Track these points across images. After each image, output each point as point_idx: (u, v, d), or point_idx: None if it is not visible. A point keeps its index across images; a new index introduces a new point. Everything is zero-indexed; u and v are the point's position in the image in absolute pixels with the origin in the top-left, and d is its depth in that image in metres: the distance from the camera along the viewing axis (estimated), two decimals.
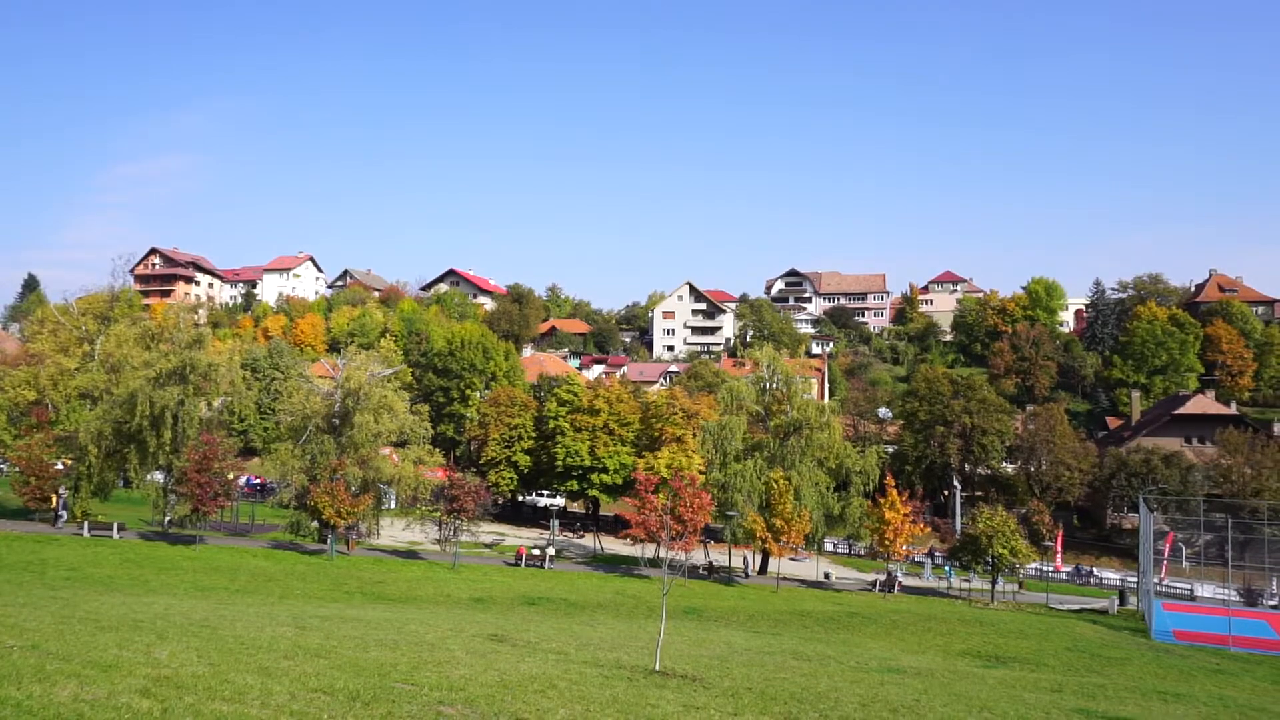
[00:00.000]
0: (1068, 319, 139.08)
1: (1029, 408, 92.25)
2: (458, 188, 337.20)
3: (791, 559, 61.48)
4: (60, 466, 52.82)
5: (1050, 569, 62.85)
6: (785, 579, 53.24)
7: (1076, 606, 50.02)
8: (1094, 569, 68.59)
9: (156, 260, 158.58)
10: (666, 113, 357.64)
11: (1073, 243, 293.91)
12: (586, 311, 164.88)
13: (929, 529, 58.02)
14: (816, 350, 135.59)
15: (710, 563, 55.37)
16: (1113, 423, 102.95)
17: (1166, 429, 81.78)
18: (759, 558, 57.73)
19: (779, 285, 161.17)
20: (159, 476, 54.00)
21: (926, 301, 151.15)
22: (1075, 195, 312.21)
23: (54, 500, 49.02)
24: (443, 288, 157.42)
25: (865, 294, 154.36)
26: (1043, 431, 79.62)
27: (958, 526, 62.90)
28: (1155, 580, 48.05)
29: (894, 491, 52.15)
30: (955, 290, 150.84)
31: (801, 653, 24.63)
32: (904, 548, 52.75)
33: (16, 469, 52.17)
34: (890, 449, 79.69)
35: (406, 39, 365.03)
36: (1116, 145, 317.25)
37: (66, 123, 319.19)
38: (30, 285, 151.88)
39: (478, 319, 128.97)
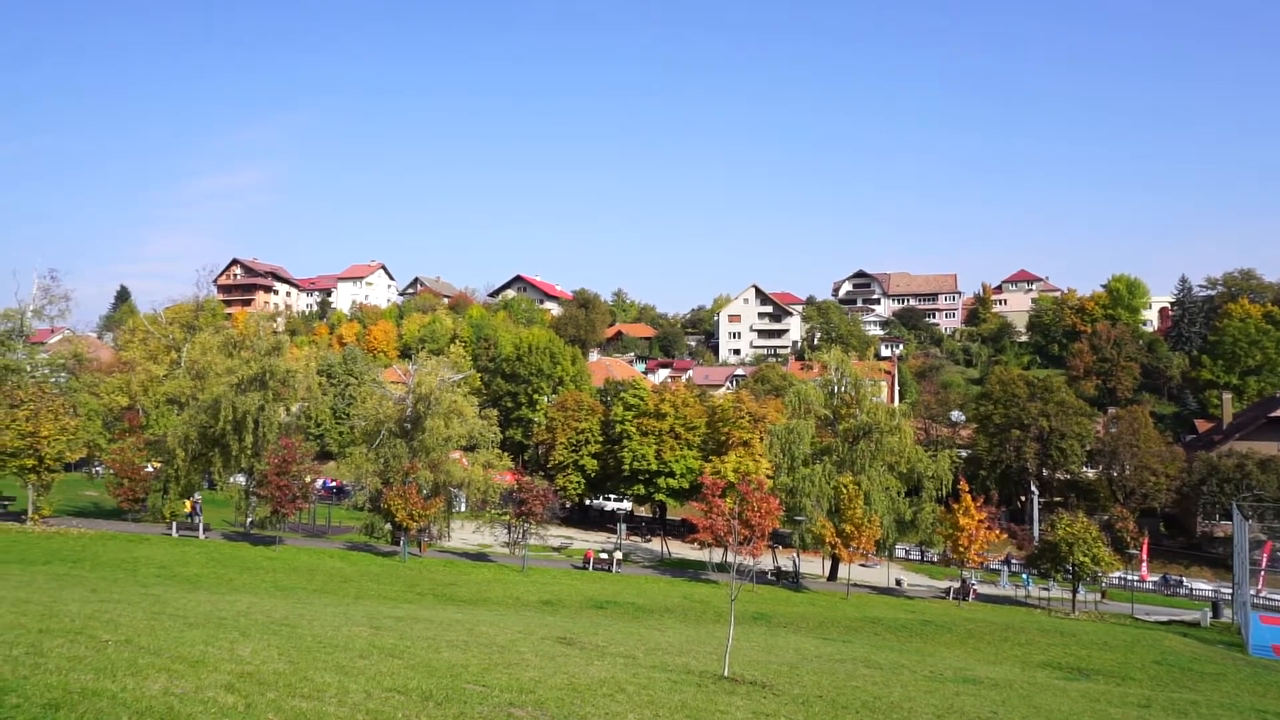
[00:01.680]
0: (1151, 318, 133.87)
1: (1110, 410, 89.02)
2: (525, 195, 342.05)
3: (862, 565, 60.46)
4: (150, 469, 55.19)
5: (1135, 578, 60.46)
6: (856, 585, 52.36)
7: (1165, 618, 47.98)
8: (1183, 579, 65.70)
9: (238, 271, 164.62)
10: (732, 117, 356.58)
11: (1155, 239, 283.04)
12: (652, 316, 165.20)
13: (1005, 535, 56.29)
14: (886, 352, 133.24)
15: (779, 568, 54.82)
16: (1202, 426, 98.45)
17: (1262, 432, 77.85)
18: (829, 563, 56.93)
19: (847, 287, 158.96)
20: (241, 479, 55.95)
21: (1000, 301, 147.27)
22: (1158, 189, 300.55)
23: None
24: (510, 294, 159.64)
25: (936, 294, 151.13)
26: (1126, 435, 76.69)
27: (1035, 533, 61.00)
28: (1252, 592, 45.72)
29: (968, 497, 50.81)
30: (1030, 289, 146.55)
31: (873, 660, 24.17)
32: (979, 555, 51.35)
33: (111, 471, 54.69)
34: (963, 453, 77.85)
35: (472, 46, 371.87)
36: (1201, 134, 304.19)
37: (151, 139, 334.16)
38: (122, 296, 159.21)
39: (544, 324, 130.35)
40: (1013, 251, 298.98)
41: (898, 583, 55.76)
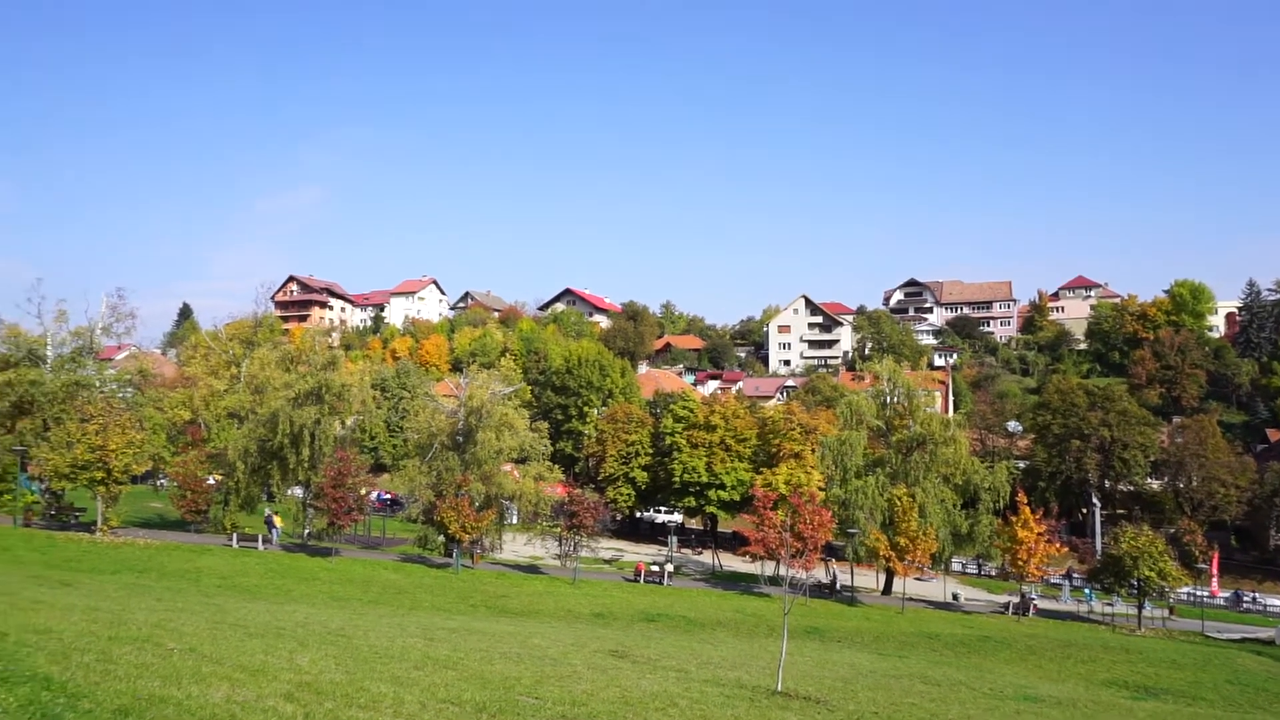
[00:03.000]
0: (1217, 323, 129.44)
1: (1176, 419, 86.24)
2: (574, 208, 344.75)
3: (917, 578, 59.35)
4: (212, 481, 56.65)
5: (1205, 594, 58.31)
6: (911, 599, 51.43)
7: (1237, 635, 46.15)
8: (1256, 594, 63.14)
9: (294, 287, 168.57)
10: (780, 127, 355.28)
11: (1220, 242, 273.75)
12: (701, 327, 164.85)
13: (1066, 549, 54.78)
14: (939, 362, 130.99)
15: (832, 581, 54.10)
16: (1274, 435, 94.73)
17: None
18: (883, 577, 56.02)
19: (898, 296, 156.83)
20: (298, 491, 57.10)
21: (1057, 309, 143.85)
22: (1221, 190, 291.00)
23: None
24: (559, 307, 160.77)
25: (990, 303, 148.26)
26: (1192, 445, 74.20)
27: (1098, 547, 59.34)
28: None
29: (1026, 509, 49.60)
30: (1089, 296, 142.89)
31: (930, 677, 23.68)
32: (1038, 568, 50.06)
33: (175, 483, 56.26)
34: (1021, 464, 76.05)
35: (520, 59, 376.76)
36: (1267, 131, 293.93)
37: (212, 161, 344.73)
38: (185, 314, 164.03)
39: (594, 337, 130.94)
40: (1069, 258, 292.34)
41: (954, 597, 54.59)
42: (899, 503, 51.02)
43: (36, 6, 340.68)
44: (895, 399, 58.21)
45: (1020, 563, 48.87)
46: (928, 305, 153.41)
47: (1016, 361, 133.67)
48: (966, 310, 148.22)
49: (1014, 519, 49.59)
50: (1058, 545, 51.15)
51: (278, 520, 51.61)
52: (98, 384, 58.78)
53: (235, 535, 49.44)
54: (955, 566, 65.34)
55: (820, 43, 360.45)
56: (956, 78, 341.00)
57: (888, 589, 55.29)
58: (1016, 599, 50.60)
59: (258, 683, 10.53)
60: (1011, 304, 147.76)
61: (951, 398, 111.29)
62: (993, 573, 62.99)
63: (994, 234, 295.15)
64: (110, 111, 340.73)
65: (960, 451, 55.10)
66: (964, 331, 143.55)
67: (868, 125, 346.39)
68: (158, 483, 74.61)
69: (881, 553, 50.59)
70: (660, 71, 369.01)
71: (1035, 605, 50.66)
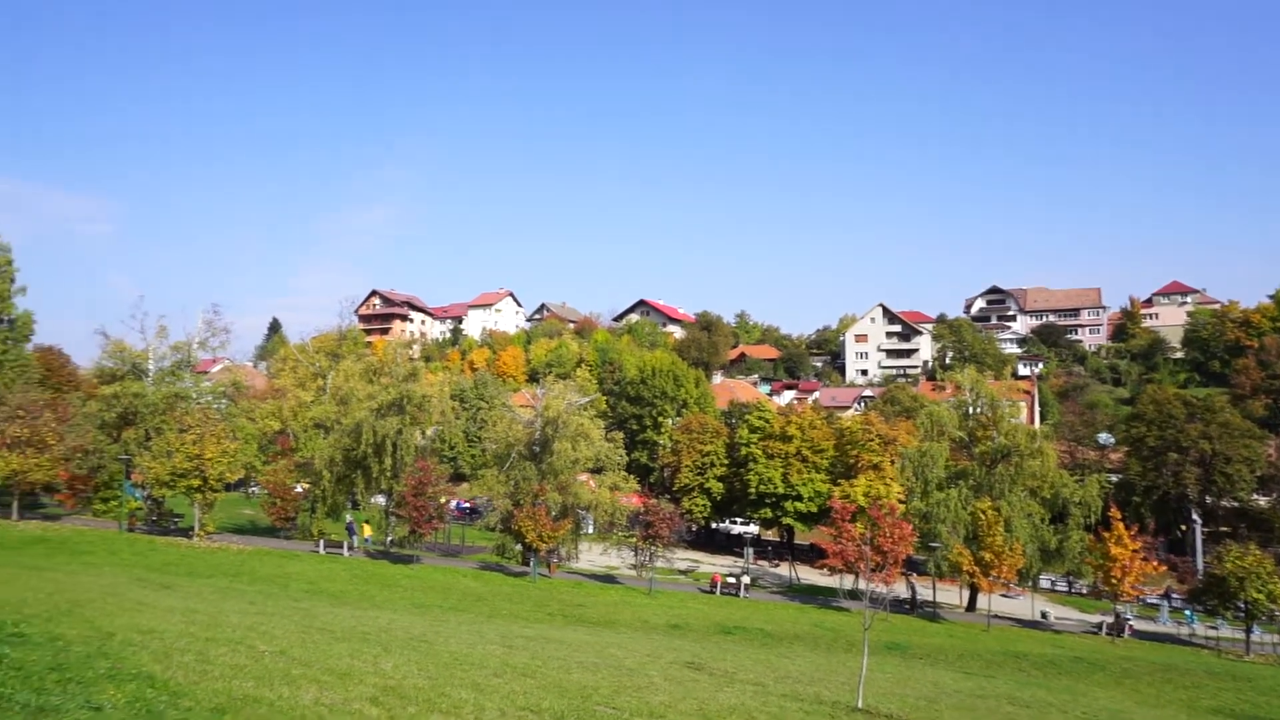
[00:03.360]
0: None
1: None
2: (648, 219, 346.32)
3: (1003, 595, 57.39)
4: (300, 490, 58.65)
5: None
6: (997, 616, 49.76)
7: None
8: None
9: (376, 301, 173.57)
10: (856, 132, 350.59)
11: None
12: (776, 337, 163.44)
13: (1163, 568, 52.10)
14: (1024, 371, 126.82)
15: (913, 596, 52.77)
16: None
17: None
18: (967, 593, 54.38)
19: (980, 304, 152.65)
20: (381, 500, 58.60)
21: (1150, 316, 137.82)
22: None
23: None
24: (634, 317, 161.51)
25: (1078, 310, 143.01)
26: None
27: (1199, 566, 56.34)
28: None
29: (1120, 525, 47.43)
30: (1185, 302, 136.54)
31: (1018, 698, 22.85)
32: (1134, 587, 47.80)
33: (265, 491, 58.40)
34: (1113, 478, 72.95)
35: (591, 69, 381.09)
36: None
37: (300, 180, 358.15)
38: (274, 328, 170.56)
39: (668, 347, 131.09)
40: (1163, 262, 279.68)
41: (1043, 615, 52.60)
42: (983, 516, 49.51)
43: (139, 41, 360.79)
44: (978, 409, 56.60)
45: (1114, 581, 46.74)
46: (1011, 313, 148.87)
47: (1107, 371, 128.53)
48: (1052, 318, 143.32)
49: (1107, 535, 47.49)
50: (1154, 563, 48.74)
51: (368, 530, 53.01)
52: (195, 396, 61.51)
53: (322, 542, 51.01)
54: (1044, 584, 62.96)
55: (892, 51, 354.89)
56: (1038, 79, 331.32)
57: (972, 605, 53.64)
58: (1110, 619, 48.42)
59: (344, 686, 10.81)
60: (1101, 311, 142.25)
61: (1037, 408, 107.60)
62: (1084, 591, 60.39)
63: (1080, 239, 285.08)
64: (205, 138, 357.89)
65: (1048, 464, 53.20)
66: (1050, 340, 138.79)
67: (947, 131, 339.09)
68: (249, 490, 77.57)
69: (965, 568, 49.13)
70: (732, 81, 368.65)
71: (1131, 626, 48.40)
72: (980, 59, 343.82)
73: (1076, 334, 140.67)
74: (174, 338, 59.33)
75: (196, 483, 46.43)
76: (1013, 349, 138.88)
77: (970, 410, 56.73)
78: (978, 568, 48.75)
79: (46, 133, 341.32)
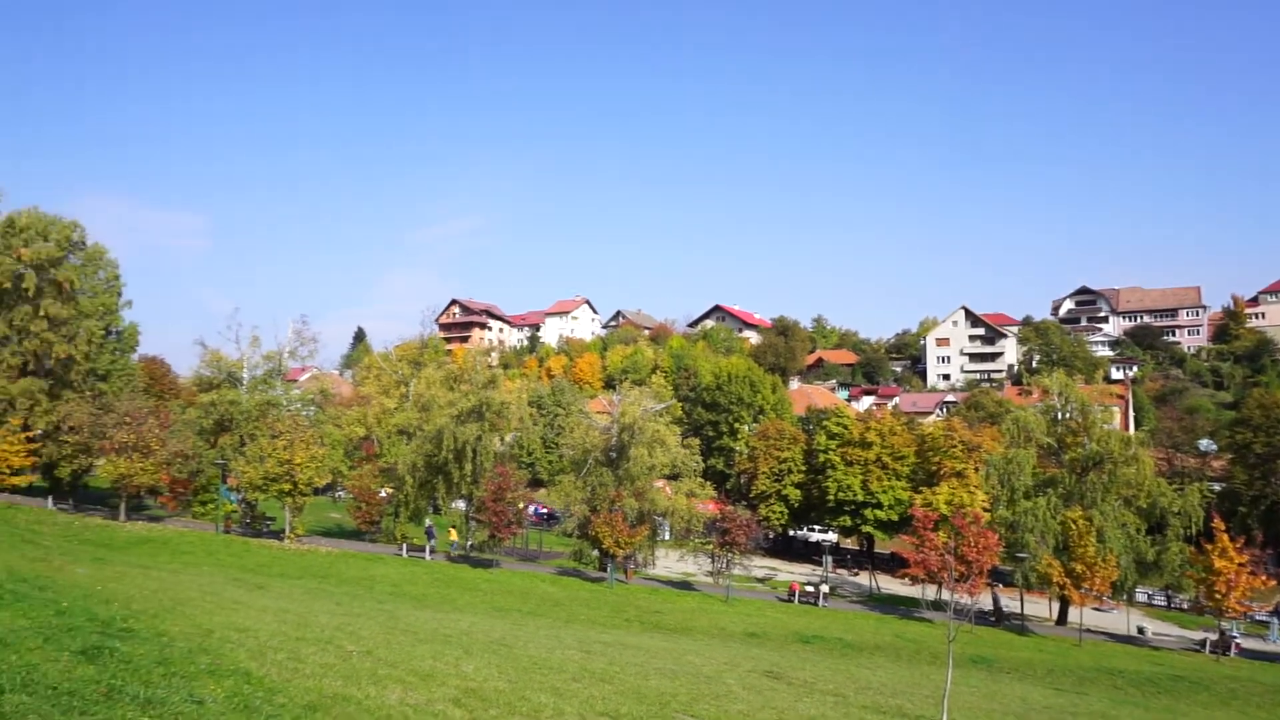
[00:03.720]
0: None
1: None
2: (722, 224, 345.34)
3: (1095, 609, 55.11)
4: (384, 494, 60.30)
5: None
6: (1089, 631, 47.81)
7: None
8: None
9: (456, 310, 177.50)
10: (935, 129, 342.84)
11: None
12: (854, 341, 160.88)
13: (1274, 582, 49.25)
14: (1117, 375, 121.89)
15: (998, 608, 51.15)
16: None
17: None
18: (1057, 605, 52.43)
19: (1068, 305, 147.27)
20: (461, 505, 59.80)
21: (1256, 315, 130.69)
22: None
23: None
24: (709, 323, 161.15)
25: (1175, 310, 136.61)
26: None
27: None
28: None
29: (1224, 536, 44.98)
30: None
31: (1113, 717, 21.92)
32: (1240, 603, 45.22)
33: (351, 495, 60.23)
34: (1216, 486, 69.39)
35: (666, 71, 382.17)
36: None
37: (384, 193, 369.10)
38: (359, 337, 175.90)
39: (744, 353, 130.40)
40: (1269, 259, 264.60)
41: (1140, 631, 50.30)
42: (1074, 526, 47.66)
43: (229, 66, 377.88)
44: (1068, 415, 54.61)
45: (1218, 596, 44.31)
46: (1102, 314, 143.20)
47: (1208, 374, 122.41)
48: (1147, 319, 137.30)
49: (1209, 547, 45.08)
50: (1264, 578, 46.04)
51: (453, 534, 54.19)
52: (285, 403, 63.88)
53: (404, 545, 52.32)
54: (1140, 597, 60.25)
55: (978, 42, 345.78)
56: (1131, 69, 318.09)
57: (1062, 619, 51.68)
58: (1214, 636, 45.98)
59: (428, 687, 11.07)
60: (1200, 311, 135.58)
61: (1132, 414, 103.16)
62: (1185, 606, 57.57)
63: (1176, 237, 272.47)
64: (293, 156, 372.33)
65: (1144, 472, 50.90)
66: (1145, 342, 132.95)
67: (1030, 125, 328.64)
68: (336, 495, 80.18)
69: (1055, 579, 47.35)
70: (808, 83, 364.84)
71: (1238, 644, 45.84)
72: (1069, 46, 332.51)
73: (1174, 335, 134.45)
74: (266, 347, 61.74)
75: (287, 487, 48.18)
76: (1105, 352, 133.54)
77: (1059, 415, 54.77)
78: (1068, 579, 46.95)
79: (150, 155, 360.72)
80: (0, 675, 7.78)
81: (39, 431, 51.97)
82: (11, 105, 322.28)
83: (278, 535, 50.84)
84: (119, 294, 65.55)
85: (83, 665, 8.72)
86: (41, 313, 52.58)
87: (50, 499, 51.65)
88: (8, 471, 48.63)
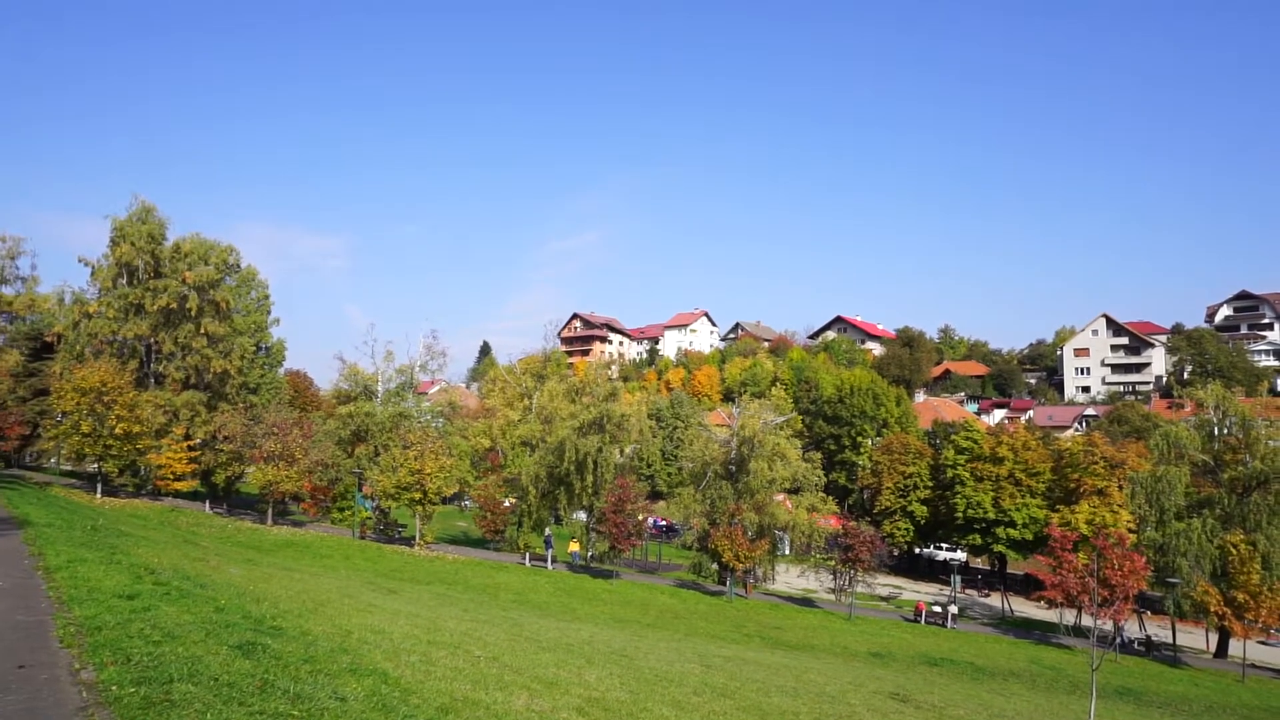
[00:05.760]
0: None
1: None
2: (843, 234, 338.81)
3: (1261, 642, 50.73)
4: (508, 504, 61.95)
5: None
6: (1254, 666, 44.00)
7: None
8: None
9: (578, 324, 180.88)
10: (1067, 128, 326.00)
11: None
12: (984, 352, 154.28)
13: None
14: None
15: (1148, 637, 47.79)
16: None
17: None
18: (1215, 637, 48.52)
19: (1225, 311, 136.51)
20: (582, 516, 60.78)
21: None
22: None
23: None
24: (830, 335, 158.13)
25: None
26: None
27: None
28: None
29: None
30: None
31: None
32: None
33: (477, 505, 62.17)
34: None
35: (784, 81, 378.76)
36: None
37: (510, 212, 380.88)
38: (484, 350, 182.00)
39: (866, 365, 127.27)
40: None
41: None
42: (1234, 551, 44.08)
43: (370, 98, 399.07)
44: (1226, 430, 50.61)
45: None
46: (1265, 321, 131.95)
47: None
48: None
49: None
50: None
51: (574, 545, 55.15)
52: (416, 415, 66.66)
53: (528, 554, 53.57)
54: None
55: (1129, 34, 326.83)
56: None
57: (1221, 651, 47.78)
58: None
59: (552, 694, 11.32)
60: None
61: None
62: None
63: None
64: (424, 177, 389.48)
65: None
66: None
67: (1177, 121, 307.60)
68: (463, 504, 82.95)
69: (1213, 608, 43.87)
70: (940, 86, 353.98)
71: None
72: (1216, 37, 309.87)
73: None
74: (399, 361, 64.69)
75: (418, 495, 50.19)
76: (1269, 362, 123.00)
77: (1216, 431, 50.83)
78: (1228, 609, 43.45)
79: (296, 179, 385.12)
80: (170, 665, 8.48)
81: (198, 440, 56.10)
82: (172, 145, 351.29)
83: (408, 542, 52.97)
84: (268, 312, 70.03)
85: (239, 659, 9.38)
86: (202, 330, 56.88)
87: (207, 503, 55.59)
88: (172, 477, 52.78)
